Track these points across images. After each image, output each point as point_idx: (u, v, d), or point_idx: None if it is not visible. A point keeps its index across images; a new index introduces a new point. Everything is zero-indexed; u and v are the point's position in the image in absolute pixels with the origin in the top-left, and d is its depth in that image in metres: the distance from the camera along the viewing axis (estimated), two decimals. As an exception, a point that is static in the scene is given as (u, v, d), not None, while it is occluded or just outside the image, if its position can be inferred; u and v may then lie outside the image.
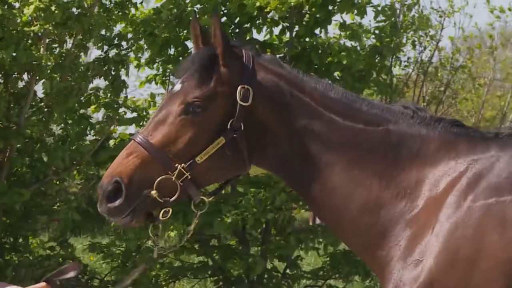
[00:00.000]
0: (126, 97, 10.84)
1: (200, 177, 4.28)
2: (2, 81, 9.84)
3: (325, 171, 4.37)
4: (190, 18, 10.66)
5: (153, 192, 4.15)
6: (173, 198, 4.21)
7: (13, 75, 9.82)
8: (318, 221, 14.05)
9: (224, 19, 10.89)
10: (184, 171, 4.20)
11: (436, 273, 4.00)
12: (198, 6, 10.98)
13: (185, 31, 11.07)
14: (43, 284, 4.56)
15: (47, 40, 9.88)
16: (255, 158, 4.42)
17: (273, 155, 4.41)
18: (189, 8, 10.91)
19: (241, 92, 4.27)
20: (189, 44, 11.14)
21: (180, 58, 10.99)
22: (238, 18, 11.08)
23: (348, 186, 4.35)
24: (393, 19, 11.91)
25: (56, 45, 10.10)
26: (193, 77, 4.31)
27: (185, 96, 4.26)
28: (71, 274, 4.64)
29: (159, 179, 4.17)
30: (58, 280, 4.64)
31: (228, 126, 4.27)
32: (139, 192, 4.21)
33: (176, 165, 4.20)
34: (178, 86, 4.35)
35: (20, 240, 10.40)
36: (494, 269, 3.94)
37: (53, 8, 9.43)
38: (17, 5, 9.71)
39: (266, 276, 11.38)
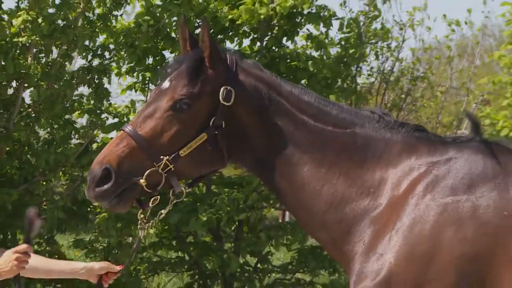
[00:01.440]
0: (110, 103, 10.83)
1: (182, 169, 4.29)
2: (-8, 88, 9.82)
3: (295, 169, 4.38)
4: (168, 30, 10.78)
5: (142, 181, 4.17)
6: (158, 188, 4.23)
7: (2, 83, 9.78)
8: (287, 218, 13.95)
9: (198, 30, 10.66)
10: (169, 163, 4.21)
11: (395, 267, 4.01)
12: (175, 18, 10.89)
13: (162, 42, 11.14)
14: (25, 245, 4.48)
15: (35, 50, 9.86)
16: (234, 155, 4.44)
17: (250, 153, 4.43)
18: (166, 20, 10.84)
19: (224, 92, 4.29)
20: (166, 54, 11.32)
21: (158, 67, 10.99)
22: (211, 30, 11.07)
23: (316, 184, 4.35)
24: (357, 31, 11.86)
25: (43, 55, 10.06)
26: (181, 76, 4.34)
27: (173, 93, 4.30)
28: (37, 223, 4.51)
29: (148, 171, 4.18)
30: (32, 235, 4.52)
31: (211, 124, 4.30)
32: (127, 178, 4.21)
33: (162, 157, 4.22)
34: (166, 84, 4.38)
35: (9, 236, 10.25)
36: (448, 263, 3.97)
37: (39, 20, 9.46)
38: (5, 17, 9.68)
39: (238, 270, 11.37)
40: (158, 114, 4.28)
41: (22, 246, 4.42)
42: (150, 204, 4.27)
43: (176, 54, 10.83)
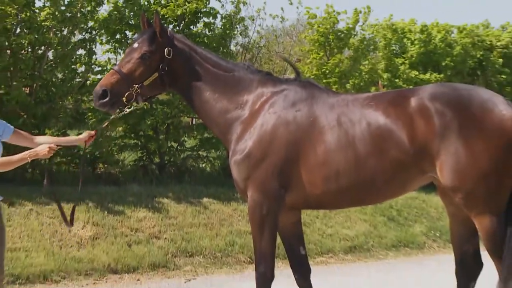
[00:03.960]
0: (96, 59, 10.79)
1: (144, 92, 4.35)
2: (30, 50, 9.80)
3: (202, 94, 4.42)
4: (127, 19, 11.04)
5: (124, 98, 4.24)
6: (131, 101, 4.27)
7: (36, 47, 9.87)
8: (194, 122, 13.51)
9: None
10: (137, 89, 4.26)
11: (252, 148, 4.20)
12: (132, 13, 10.91)
13: (124, 26, 10.94)
14: (53, 145, 4.15)
15: (54, 29, 9.90)
16: (172, 86, 4.48)
17: (180, 85, 4.46)
18: (126, 14, 10.88)
19: (167, 51, 4.33)
20: (127, 32, 11.11)
21: (123, 40, 11.01)
22: (151, 20, 10.97)
23: (212, 102, 4.41)
24: (231, 21, 12.06)
25: (58, 32, 10.06)
26: (145, 41, 4.36)
27: (140, 50, 4.32)
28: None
29: (126, 94, 4.21)
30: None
31: (160, 68, 4.34)
32: (115, 95, 4.22)
33: (134, 85, 4.26)
34: (136, 45, 4.37)
35: (41, 131, 9.81)
36: (281, 145, 4.14)
37: (56, 13, 9.70)
38: (37, 11, 9.80)
39: (167, 150, 11.62)
40: (133, 61, 4.29)
41: (52, 145, 4.16)
42: (127, 109, 4.28)
43: (134, 33, 10.77)
